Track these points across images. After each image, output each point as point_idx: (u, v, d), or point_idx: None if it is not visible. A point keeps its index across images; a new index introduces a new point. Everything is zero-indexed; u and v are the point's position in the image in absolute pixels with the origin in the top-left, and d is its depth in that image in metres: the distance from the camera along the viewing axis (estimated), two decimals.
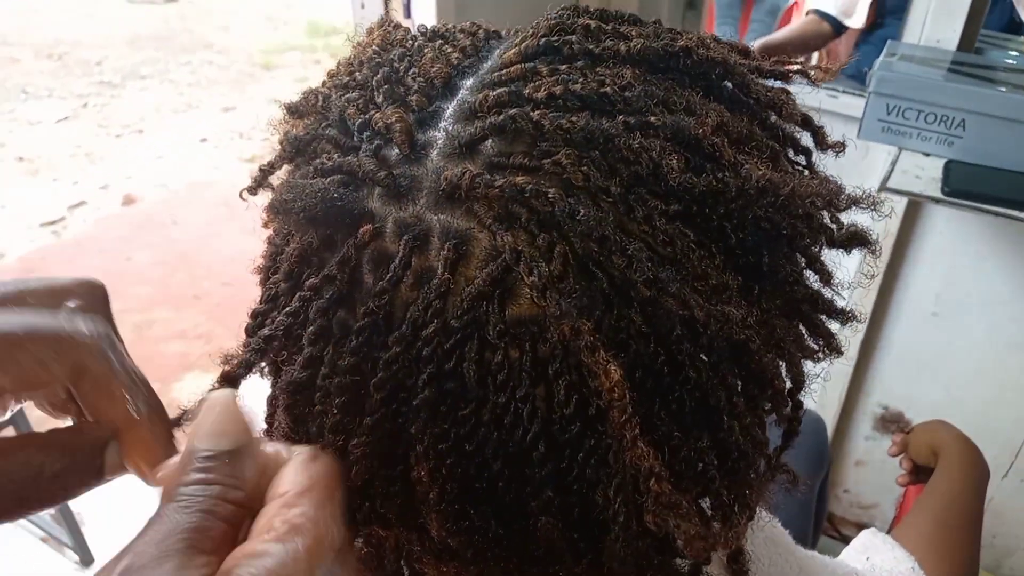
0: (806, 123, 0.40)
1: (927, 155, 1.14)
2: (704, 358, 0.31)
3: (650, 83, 0.34)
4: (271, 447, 0.30)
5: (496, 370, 0.30)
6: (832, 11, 2.01)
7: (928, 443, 0.92)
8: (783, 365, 0.36)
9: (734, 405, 0.32)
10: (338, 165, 0.33)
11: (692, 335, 0.30)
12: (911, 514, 0.79)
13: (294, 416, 0.34)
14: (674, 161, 0.31)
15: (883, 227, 1.36)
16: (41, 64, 4.76)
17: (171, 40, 5.24)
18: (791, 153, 0.40)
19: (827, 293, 0.39)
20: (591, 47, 0.34)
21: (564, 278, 0.29)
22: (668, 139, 0.31)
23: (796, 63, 0.43)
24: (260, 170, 0.39)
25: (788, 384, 0.37)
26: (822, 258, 0.38)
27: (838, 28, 2.05)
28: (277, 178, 0.39)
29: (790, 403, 0.38)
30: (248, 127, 4.14)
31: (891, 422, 1.19)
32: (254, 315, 0.35)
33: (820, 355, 0.39)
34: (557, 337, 0.29)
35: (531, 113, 0.31)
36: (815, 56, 2.35)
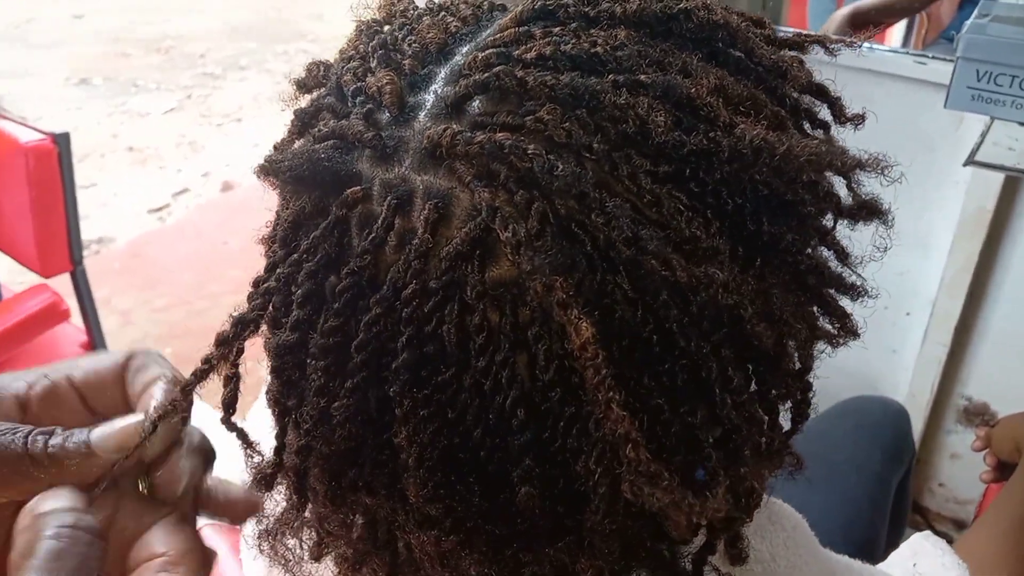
0: (821, 93, 0.38)
1: (1023, 124, 1.04)
2: (695, 327, 0.29)
3: (646, 45, 0.32)
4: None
5: (476, 333, 0.29)
6: None
7: (1012, 437, 0.85)
8: (790, 344, 0.34)
9: (728, 379, 0.30)
10: (331, 130, 0.33)
11: (681, 302, 0.29)
12: (984, 516, 0.73)
13: (283, 380, 0.35)
14: (660, 118, 0.30)
15: (977, 203, 1.27)
16: (150, 58, 5.01)
17: (268, 31, 5.42)
18: (808, 127, 0.38)
19: (845, 272, 0.37)
20: (587, 10, 0.33)
21: (541, 236, 0.28)
22: (657, 97, 0.30)
23: (814, 35, 0.40)
24: (274, 148, 0.39)
25: (796, 365, 0.35)
26: (835, 233, 0.36)
27: None
28: None
29: (798, 384, 0.36)
30: None
31: (975, 414, 1.10)
32: (255, 283, 0.36)
33: (838, 338, 0.37)
34: (535, 298, 0.28)
35: (516, 71, 0.30)
36: (916, 20, 2.20)
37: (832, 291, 0.36)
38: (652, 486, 0.28)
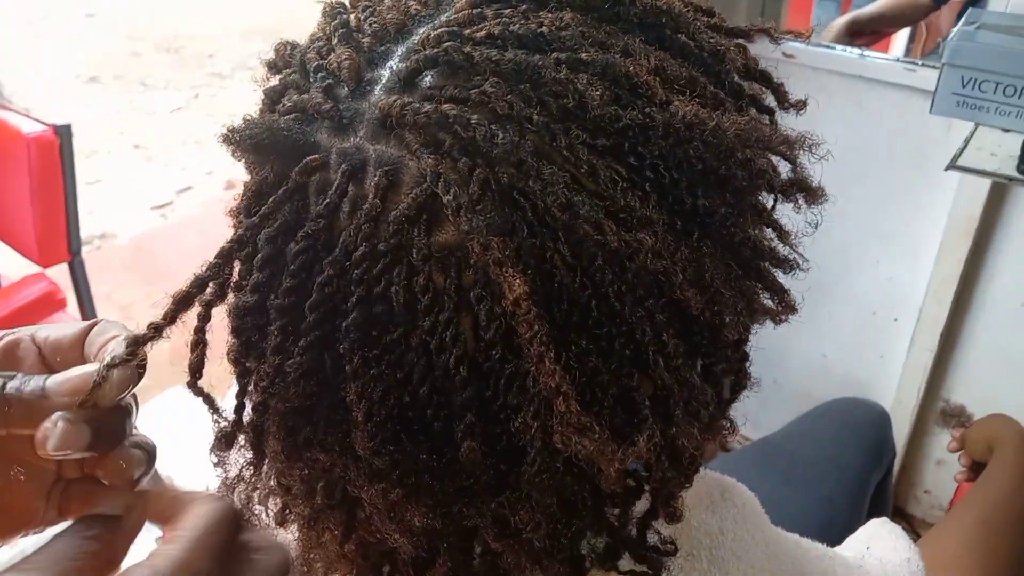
0: (764, 79, 0.39)
1: (1007, 131, 1.05)
2: (629, 292, 0.31)
3: (591, 27, 0.34)
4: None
5: (421, 294, 0.31)
6: None
7: (986, 438, 0.86)
8: (721, 312, 0.35)
9: (662, 343, 0.32)
10: (294, 104, 0.35)
11: (616, 268, 0.31)
12: (954, 510, 0.74)
13: (242, 340, 0.36)
14: (597, 92, 0.31)
15: (965, 210, 1.27)
16: (160, 57, 5.05)
17: (279, 32, 5.45)
18: (754, 113, 0.39)
19: (779, 246, 0.38)
20: None
21: (482, 201, 0.30)
22: (596, 74, 0.32)
23: (760, 26, 0.42)
24: (244, 120, 0.41)
25: (733, 335, 0.37)
26: (774, 214, 0.38)
27: (937, 1, 1.92)
28: None
29: (735, 354, 0.38)
30: None
31: (952, 416, 1.11)
32: (219, 255, 0.37)
33: (778, 314, 0.39)
34: (476, 259, 0.30)
35: (464, 47, 0.32)
36: (920, 28, 2.21)
37: (769, 266, 0.37)
38: (580, 436, 0.30)
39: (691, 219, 0.33)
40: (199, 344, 0.41)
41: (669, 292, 0.32)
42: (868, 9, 2.00)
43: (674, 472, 0.34)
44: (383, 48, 0.35)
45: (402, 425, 0.33)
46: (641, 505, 0.39)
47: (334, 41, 0.36)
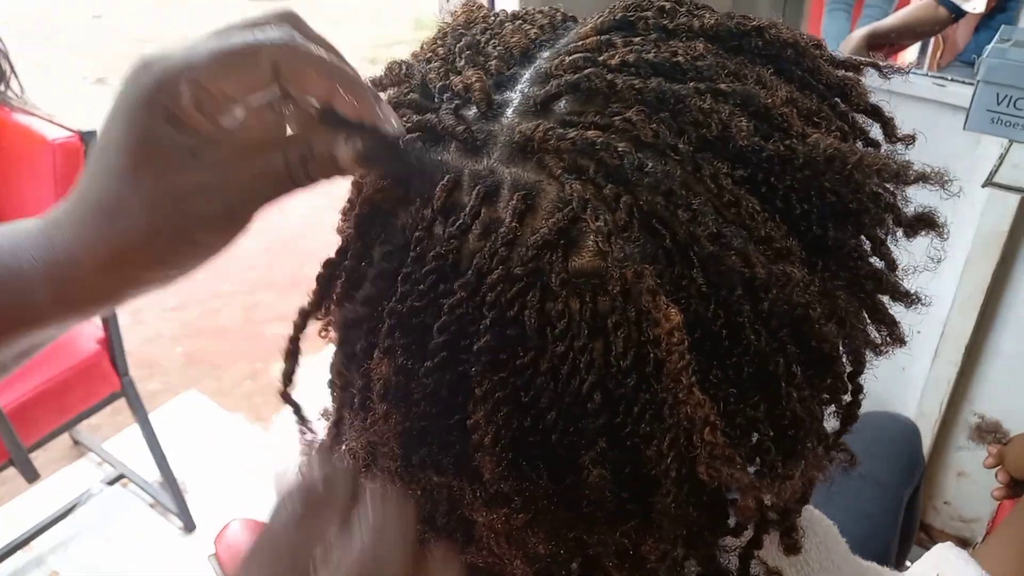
0: (876, 113, 0.40)
1: None
2: (764, 323, 0.31)
3: (722, 57, 0.34)
4: None
5: (556, 319, 0.31)
6: None
7: None
8: (843, 346, 0.35)
9: (792, 375, 0.32)
10: (417, 124, 0.35)
11: (753, 298, 0.31)
12: (999, 530, 0.74)
13: (346, 353, 0.36)
14: (743, 123, 0.32)
15: (992, 225, 1.28)
16: None
17: None
18: (860, 145, 0.40)
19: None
20: (665, 23, 0.36)
21: (628, 228, 0.30)
22: (737, 105, 0.32)
23: (868, 59, 0.42)
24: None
25: (848, 368, 0.37)
26: (888, 243, 0.38)
27: (956, 13, 1.93)
28: None
29: (849, 387, 0.37)
30: None
31: (988, 432, 1.12)
32: (326, 264, 0.38)
33: (883, 347, 0.38)
34: (619, 287, 0.30)
35: (605, 74, 0.32)
36: (931, 43, 2.22)
37: (883, 299, 0.37)
38: (729, 468, 0.30)
39: (818, 250, 0.33)
40: (293, 354, 0.41)
41: (807, 325, 0.32)
42: (887, 21, 2.01)
43: (796, 504, 0.34)
44: (510, 72, 0.35)
45: (527, 450, 0.32)
46: (743, 536, 0.39)
47: (460, 62, 0.36)
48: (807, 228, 0.33)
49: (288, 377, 0.40)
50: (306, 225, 3.22)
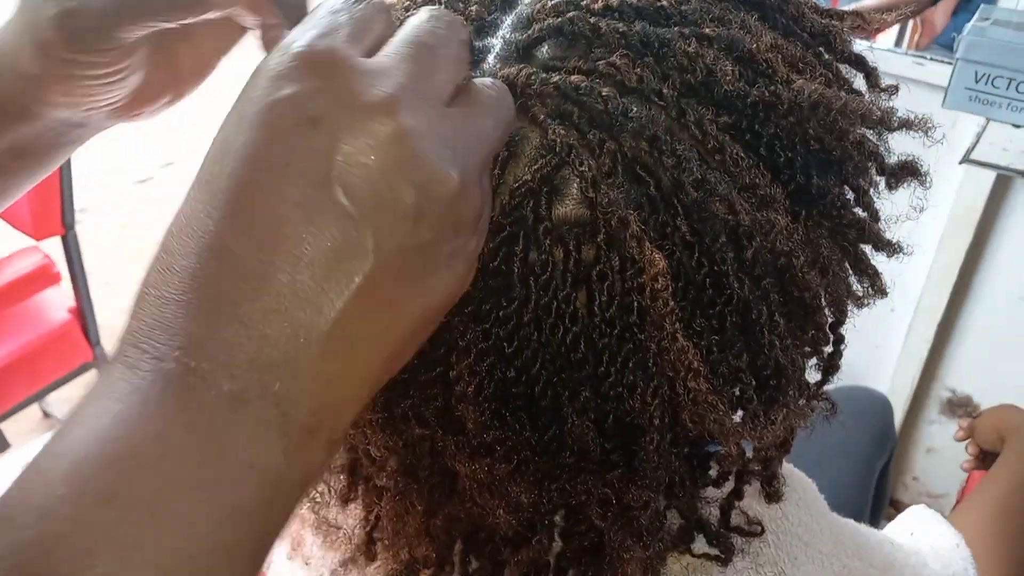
0: (859, 62, 0.39)
1: (1017, 127, 1.07)
2: (748, 271, 0.31)
3: (706, 2, 0.34)
4: None
5: (540, 269, 0.30)
6: None
7: (996, 428, 0.88)
8: (825, 296, 0.35)
9: (775, 323, 0.32)
10: None
11: (736, 246, 0.31)
12: (969, 498, 0.75)
13: None
14: (729, 67, 0.31)
15: (967, 202, 1.29)
16: None
17: None
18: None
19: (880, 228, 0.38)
20: None
21: (613, 174, 0.30)
22: (722, 49, 0.32)
23: (849, 9, 0.41)
24: None
25: (830, 319, 0.37)
26: (870, 193, 0.38)
27: None
28: None
29: (831, 337, 0.37)
30: None
31: (959, 406, 1.14)
32: None
33: (864, 299, 0.38)
34: (603, 235, 0.29)
35: (588, 18, 0.32)
36: (909, 24, 2.23)
37: (866, 250, 0.37)
38: (713, 414, 0.30)
39: (801, 199, 0.33)
40: None
41: (790, 273, 0.32)
42: (870, 2, 2.01)
43: (778, 452, 0.35)
44: (491, 17, 0.34)
45: (510, 401, 0.32)
46: (725, 487, 0.39)
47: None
48: (790, 176, 0.32)
49: None
50: None
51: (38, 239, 1.45)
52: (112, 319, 2.45)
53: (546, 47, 0.32)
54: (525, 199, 0.30)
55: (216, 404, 0.22)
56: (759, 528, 0.40)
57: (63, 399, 1.98)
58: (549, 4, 0.32)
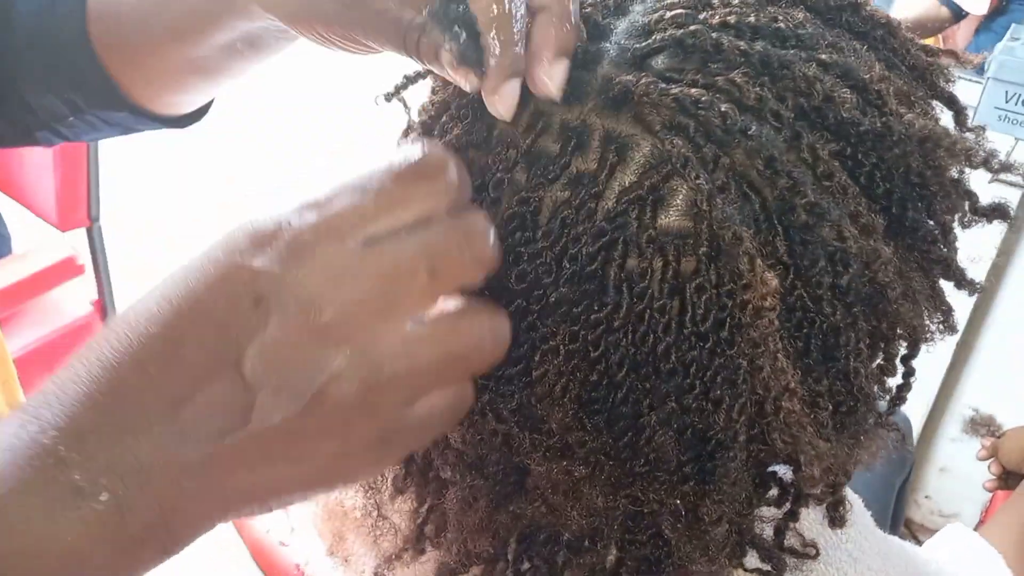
0: (951, 101, 0.39)
1: None
2: (842, 298, 0.31)
3: (820, 27, 0.34)
4: None
5: (638, 277, 0.30)
6: None
7: (1021, 448, 0.88)
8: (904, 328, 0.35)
9: (859, 351, 0.32)
10: None
11: (835, 272, 0.31)
12: (996, 518, 0.75)
13: None
14: (847, 94, 0.31)
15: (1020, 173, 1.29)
16: None
17: None
18: None
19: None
20: None
21: (725, 190, 0.30)
22: (839, 76, 0.32)
23: (946, 48, 0.42)
24: (405, 77, 0.40)
25: (903, 350, 0.37)
26: (954, 230, 0.38)
27: (958, 13, 1.94)
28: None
29: (902, 369, 0.38)
30: None
31: (981, 425, 1.14)
32: None
33: (935, 334, 0.39)
34: (706, 248, 0.30)
35: (710, 32, 0.32)
36: (936, 41, 2.23)
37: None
38: (804, 436, 0.30)
39: (897, 231, 0.33)
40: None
41: (882, 303, 0.32)
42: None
43: (845, 478, 0.35)
44: (604, 22, 0.34)
45: (592, 405, 0.32)
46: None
47: None
48: (888, 206, 0.33)
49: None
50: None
51: (63, 230, 1.46)
52: None
53: (663, 57, 0.32)
54: (631, 206, 0.30)
55: (62, 490, 0.26)
56: (813, 551, 0.40)
57: None
58: (668, 15, 0.33)
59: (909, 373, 0.38)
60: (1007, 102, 1.09)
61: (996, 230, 1.28)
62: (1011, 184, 1.06)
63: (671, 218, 0.30)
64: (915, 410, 1.50)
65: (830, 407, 0.33)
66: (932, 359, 1.44)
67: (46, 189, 1.40)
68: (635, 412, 0.32)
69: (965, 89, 1.27)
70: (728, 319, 0.30)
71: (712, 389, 0.31)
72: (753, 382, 0.30)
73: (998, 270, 1.35)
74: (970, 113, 1.04)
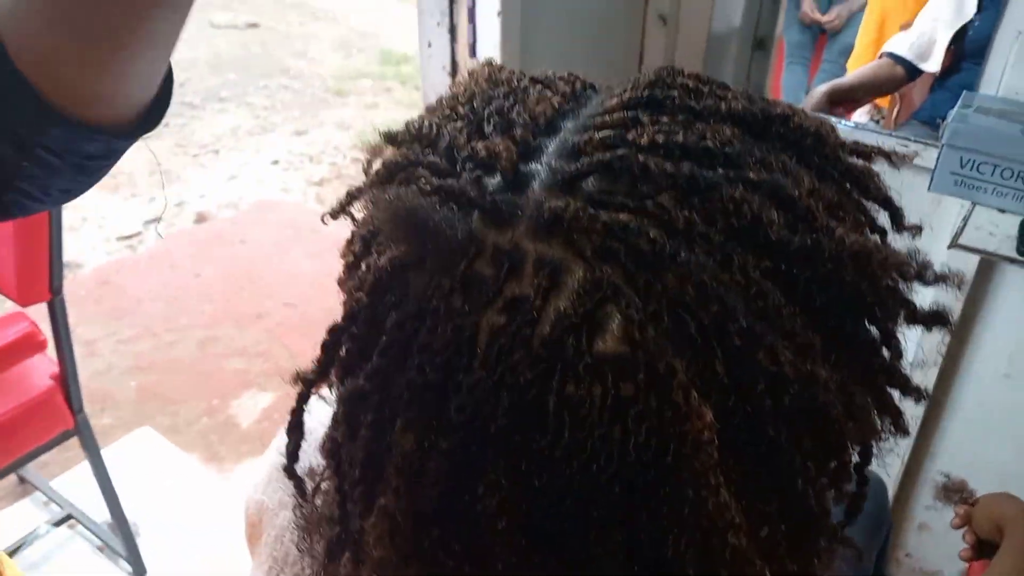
0: (887, 203, 0.39)
1: (1003, 211, 1.09)
2: (784, 419, 0.30)
3: (748, 143, 0.34)
4: None
5: (576, 405, 0.29)
6: (907, 54, 1.96)
7: (993, 517, 0.87)
8: (852, 437, 0.35)
9: (807, 469, 0.32)
10: (438, 188, 0.33)
11: (775, 393, 0.30)
12: None
13: (351, 427, 0.35)
14: (775, 215, 0.31)
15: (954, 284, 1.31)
16: None
17: (250, 64, 5.43)
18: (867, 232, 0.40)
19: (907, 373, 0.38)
20: (692, 104, 0.35)
21: (659, 318, 0.29)
22: (766, 195, 0.32)
23: (878, 147, 0.42)
24: (348, 194, 0.40)
25: (855, 458, 0.36)
26: (896, 334, 0.38)
27: (912, 72, 1.99)
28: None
29: (855, 478, 0.37)
30: (318, 151, 4.24)
31: (954, 491, 1.14)
32: (332, 331, 0.36)
33: (885, 435, 0.38)
34: (644, 376, 0.29)
35: (637, 155, 0.32)
36: (893, 98, 2.29)
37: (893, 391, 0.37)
38: (751, 569, 0.29)
39: (836, 343, 0.33)
40: (297, 427, 0.39)
41: (824, 422, 0.31)
42: (847, 79, 2.07)
43: None
44: (536, 142, 0.34)
45: (539, 536, 0.31)
46: None
47: (488, 128, 0.35)
48: (823, 320, 0.32)
49: (293, 454, 0.38)
50: (267, 256, 3.18)
51: (24, 305, 1.43)
52: (90, 381, 2.40)
53: (592, 179, 0.32)
54: (566, 332, 0.29)
55: None
56: None
57: (39, 463, 1.93)
58: (597, 137, 0.33)
59: (862, 482, 0.37)
60: (962, 167, 1.11)
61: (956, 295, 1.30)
62: (974, 250, 1.07)
63: (607, 344, 0.29)
64: (890, 468, 1.50)
65: (783, 528, 0.32)
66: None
67: (5, 264, 1.38)
68: (583, 543, 0.31)
69: (924, 153, 1.30)
70: (670, 447, 0.29)
71: (658, 519, 0.30)
72: (699, 515, 0.30)
73: (964, 331, 1.36)
74: (926, 177, 1.05)
